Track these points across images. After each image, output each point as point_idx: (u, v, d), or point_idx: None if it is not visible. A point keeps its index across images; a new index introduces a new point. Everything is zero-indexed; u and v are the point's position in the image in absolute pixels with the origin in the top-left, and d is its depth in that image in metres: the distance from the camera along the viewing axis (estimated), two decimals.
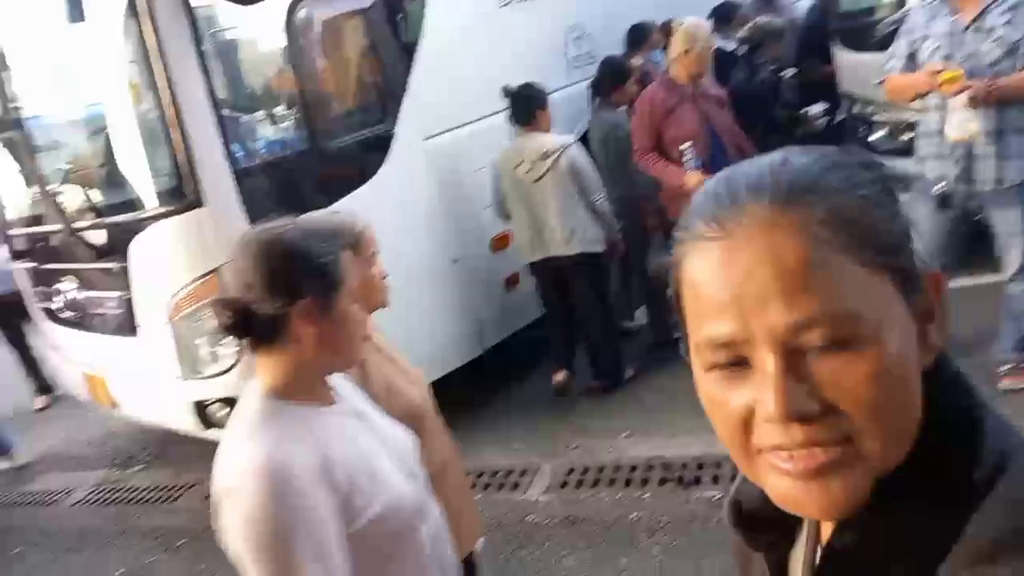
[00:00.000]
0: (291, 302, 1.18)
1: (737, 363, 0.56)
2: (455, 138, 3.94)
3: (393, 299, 1.93)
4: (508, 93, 3.74)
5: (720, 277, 0.55)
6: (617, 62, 4.16)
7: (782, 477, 0.57)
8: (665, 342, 4.21)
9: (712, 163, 3.50)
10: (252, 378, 1.29)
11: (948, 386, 0.60)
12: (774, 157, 0.60)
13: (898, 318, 0.56)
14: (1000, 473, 0.55)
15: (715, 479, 3.04)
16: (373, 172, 3.60)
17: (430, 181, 3.82)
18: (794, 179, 0.56)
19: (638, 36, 4.57)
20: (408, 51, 3.75)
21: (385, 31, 3.66)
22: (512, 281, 4.15)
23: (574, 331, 4.00)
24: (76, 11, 3.50)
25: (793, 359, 0.54)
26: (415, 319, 3.71)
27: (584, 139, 4.09)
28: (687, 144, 3.52)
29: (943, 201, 2.90)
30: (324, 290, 1.22)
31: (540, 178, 3.66)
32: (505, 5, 4.15)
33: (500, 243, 4.06)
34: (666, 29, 4.25)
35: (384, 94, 3.72)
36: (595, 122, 4.20)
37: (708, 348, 0.57)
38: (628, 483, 3.19)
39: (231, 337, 1.24)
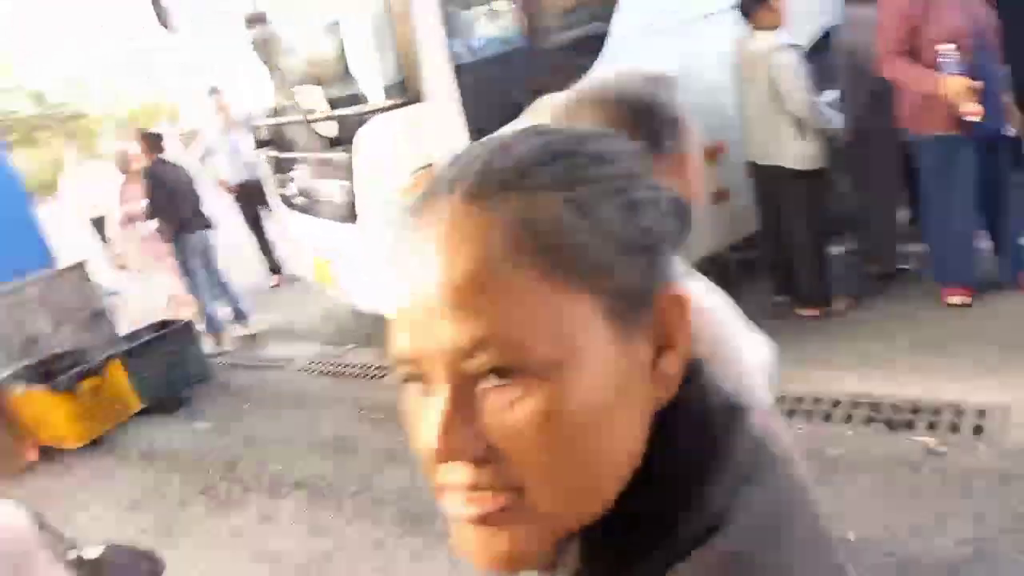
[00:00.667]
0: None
1: (425, 380, 0.48)
2: (677, 33, 3.74)
3: None
4: None
5: (398, 281, 0.48)
6: None
7: (455, 520, 0.48)
8: (888, 273, 3.86)
9: (979, 69, 3.02)
10: None
11: (685, 426, 0.51)
12: (505, 136, 0.50)
13: (599, 350, 0.46)
14: (712, 533, 0.46)
15: (931, 425, 2.77)
16: (585, 70, 3.52)
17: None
18: (494, 170, 0.47)
19: None
20: None
21: None
22: (720, 195, 3.94)
23: (783, 249, 3.76)
24: None
25: (468, 388, 0.46)
26: None
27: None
28: (949, 46, 3.02)
29: None
30: (683, 143, 1.15)
31: (749, 79, 3.48)
32: None
33: (710, 155, 3.86)
34: None
35: None
36: (843, 21, 3.80)
37: (395, 359, 0.49)
38: (828, 417, 3.00)
39: None
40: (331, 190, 4.07)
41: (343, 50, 3.82)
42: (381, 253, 3.77)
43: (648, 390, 0.49)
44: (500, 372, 0.45)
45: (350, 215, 3.91)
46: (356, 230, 3.92)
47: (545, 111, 1.57)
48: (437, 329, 0.45)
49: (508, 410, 0.45)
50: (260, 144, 4.83)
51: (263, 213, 6.42)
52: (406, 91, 3.36)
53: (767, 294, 3.97)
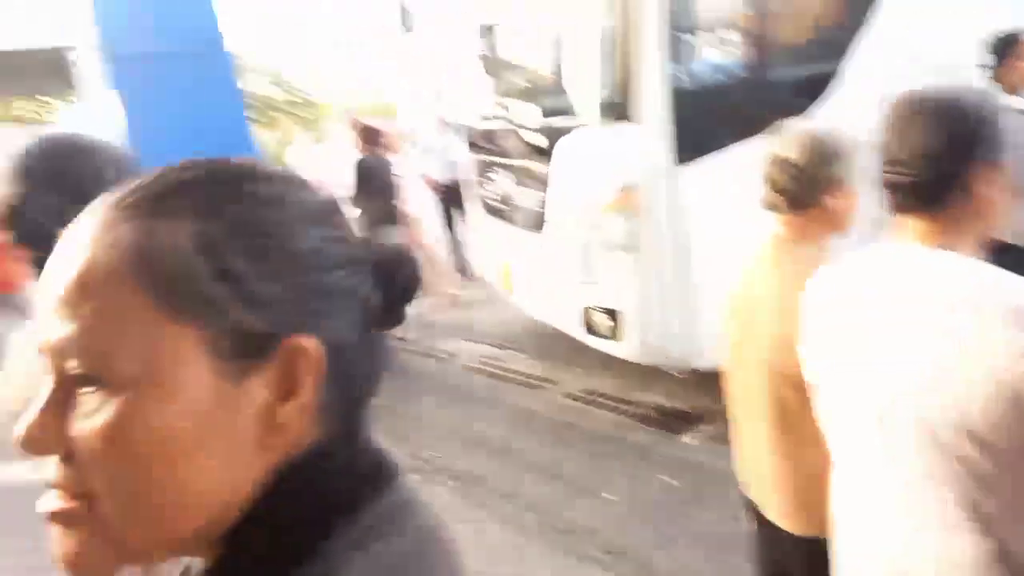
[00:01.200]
0: (972, 164, 1.12)
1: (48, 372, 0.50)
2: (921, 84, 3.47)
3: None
4: (989, 44, 3.21)
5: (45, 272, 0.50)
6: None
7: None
8: None
9: None
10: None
11: (305, 480, 0.52)
12: (187, 159, 0.52)
13: (192, 382, 0.47)
14: None
15: None
16: (804, 110, 3.37)
17: (862, 130, 3.42)
18: (142, 188, 0.49)
19: None
20: None
21: None
22: None
23: None
24: None
25: (68, 388, 0.48)
26: None
27: None
28: None
29: None
30: (999, 153, 1.13)
31: None
32: None
33: None
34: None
35: (836, 32, 3.41)
36: None
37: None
38: None
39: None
40: (527, 198, 4.18)
41: (561, 63, 3.91)
42: (560, 266, 3.82)
43: (258, 434, 0.50)
44: (89, 379, 0.47)
45: (538, 224, 3.99)
46: (541, 239, 4.00)
47: (791, 137, 1.52)
48: (51, 325, 0.48)
49: (89, 417, 0.47)
50: (471, 146, 5.06)
51: (457, 215, 6.71)
52: (617, 110, 3.38)
53: None
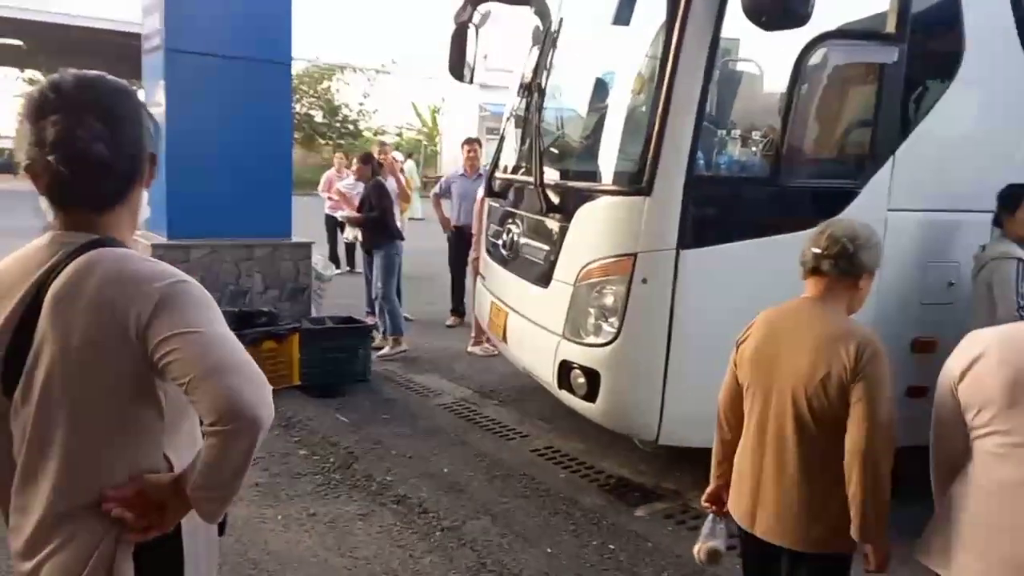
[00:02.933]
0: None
1: None
2: (924, 220, 3.60)
3: None
4: (998, 194, 3.40)
5: None
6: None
7: None
8: None
9: None
10: None
11: None
12: None
13: None
14: None
15: None
16: (816, 223, 3.46)
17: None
18: None
19: None
20: (911, 119, 3.53)
21: (894, 92, 3.48)
22: (916, 392, 3.62)
23: None
24: (625, 14, 4.06)
25: None
26: None
27: None
28: None
29: None
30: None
31: (974, 282, 3.40)
32: None
33: (923, 347, 3.58)
34: None
35: (865, 153, 3.55)
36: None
37: None
38: None
39: None
40: (539, 253, 4.27)
41: (592, 130, 4.08)
42: (556, 321, 3.88)
43: None
44: None
45: (546, 279, 4.08)
46: (545, 295, 4.07)
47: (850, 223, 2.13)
48: None
49: None
50: (492, 195, 5.20)
51: (468, 259, 6.84)
52: (637, 182, 3.50)
53: None
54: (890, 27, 3.46)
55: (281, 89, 6.26)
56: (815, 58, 3.43)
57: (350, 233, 6.78)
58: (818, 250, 2.05)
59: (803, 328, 2.01)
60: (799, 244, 3.46)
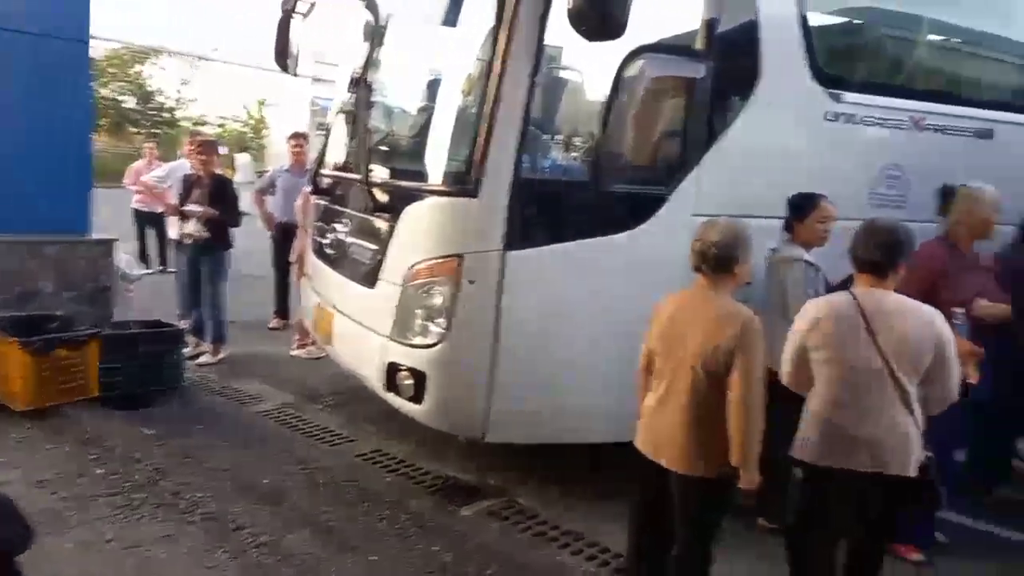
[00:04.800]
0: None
1: None
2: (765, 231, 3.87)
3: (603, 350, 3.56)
4: (788, 201, 3.69)
5: None
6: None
7: None
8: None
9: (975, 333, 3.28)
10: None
11: None
12: None
13: None
14: None
15: None
16: (632, 226, 3.66)
17: (680, 254, 3.76)
18: None
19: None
20: (715, 132, 3.79)
21: (701, 105, 3.74)
22: None
23: None
24: (453, 15, 4.05)
25: None
26: (617, 376, 3.67)
27: None
28: (960, 310, 3.27)
29: None
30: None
31: (768, 282, 3.65)
32: (831, 120, 4.04)
33: None
34: (947, 193, 3.82)
35: (674, 161, 3.78)
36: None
37: None
38: None
39: None
40: (367, 253, 4.16)
41: (421, 130, 4.03)
42: (383, 323, 3.79)
43: None
44: None
45: (372, 279, 3.97)
46: (371, 296, 3.97)
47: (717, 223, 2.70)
48: None
49: None
50: (318, 192, 5.01)
51: (292, 257, 6.54)
52: (464, 183, 3.50)
53: None
54: (699, 45, 3.72)
55: (77, 69, 5.64)
56: (632, 69, 3.61)
57: (191, 228, 5.81)
58: (693, 255, 2.60)
59: (699, 310, 2.55)
60: (616, 245, 3.70)
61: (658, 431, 2.61)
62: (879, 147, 4.23)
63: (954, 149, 4.42)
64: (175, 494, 3.63)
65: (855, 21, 4.57)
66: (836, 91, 4.06)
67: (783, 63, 3.92)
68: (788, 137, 4.05)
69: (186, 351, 5.61)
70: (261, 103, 32.18)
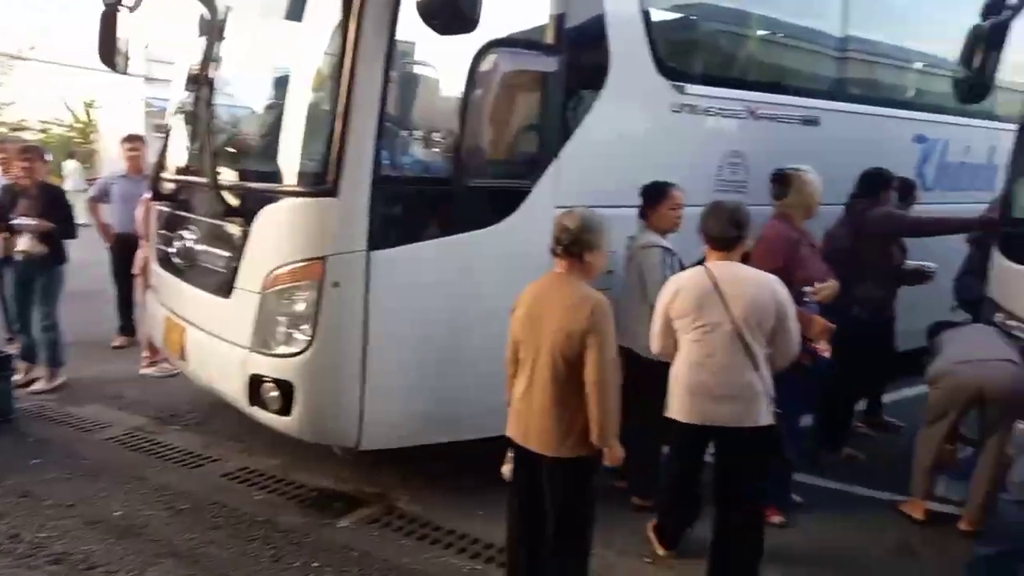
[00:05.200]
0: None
1: None
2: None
3: (475, 345, 3.61)
4: (640, 190, 3.84)
5: None
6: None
7: None
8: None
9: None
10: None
11: None
12: None
13: None
14: None
15: None
16: (497, 220, 3.67)
17: (545, 246, 3.82)
18: None
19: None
20: (570, 125, 3.87)
21: (555, 99, 3.80)
22: None
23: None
24: (297, 9, 3.88)
25: None
26: (489, 370, 3.67)
27: None
28: (811, 288, 3.59)
29: None
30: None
31: (626, 270, 3.80)
32: (676, 112, 4.24)
33: None
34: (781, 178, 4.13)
35: (534, 154, 3.82)
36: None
37: None
38: None
39: None
40: (214, 259, 3.92)
41: (272, 129, 3.84)
42: (242, 334, 3.59)
43: None
44: None
45: (226, 289, 3.75)
46: (227, 306, 3.74)
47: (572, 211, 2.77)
48: None
49: None
50: (159, 198, 4.66)
51: (136, 269, 6.07)
52: (323, 183, 3.36)
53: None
54: (550, 38, 3.78)
55: None
56: (488, 64, 3.61)
57: (24, 244, 5.16)
58: (552, 238, 2.69)
59: (555, 296, 2.63)
60: (483, 240, 3.70)
61: (526, 417, 2.67)
62: (721, 136, 4.49)
63: (786, 136, 4.77)
64: (13, 537, 3.27)
65: (691, 16, 4.82)
66: (679, 83, 4.27)
67: (630, 57, 4.07)
68: (639, 129, 4.21)
69: (16, 378, 5.06)
70: (89, 105, 29.63)
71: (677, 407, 3.03)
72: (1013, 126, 4.43)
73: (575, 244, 2.64)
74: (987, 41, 4.05)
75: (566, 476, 2.63)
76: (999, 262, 4.06)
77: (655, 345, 3.14)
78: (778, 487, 3.65)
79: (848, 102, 5.19)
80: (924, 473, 3.77)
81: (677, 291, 3.03)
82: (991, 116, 5.95)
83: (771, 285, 2.95)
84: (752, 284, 2.95)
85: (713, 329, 2.91)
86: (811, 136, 4.89)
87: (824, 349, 3.54)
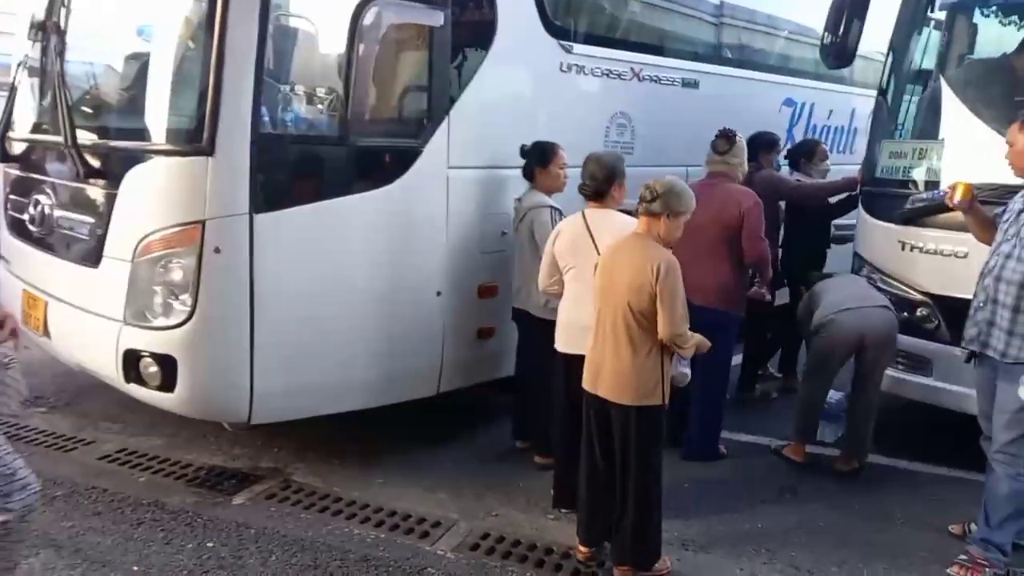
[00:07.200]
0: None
1: None
2: (478, 176, 3.94)
3: (367, 312, 3.59)
4: (522, 150, 3.84)
5: None
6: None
7: None
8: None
9: None
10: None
11: None
12: None
13: None
14: None
15: None
16: (388, 181, 3.56)
17: (439, 208, 3.77)
18: None
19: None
20: (460, 83, 3.80)
21: (444, 56, 3.70)
22: (486, 332, 4.03)
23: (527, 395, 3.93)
24: None
25: None
26: (382, 337, 3.63)
27: None
28: None
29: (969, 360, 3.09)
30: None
31: (516, 231, 3.83)
32: (565, 72, 4.25)
33: (487, 292, 3.98)
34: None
35: (424, 113, 3.72)
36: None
37: None
38: (541, 564, 2.98)
39: None
40: (76, 226, 3.61)
41: (137, 81, 3.55)
42: (114, 306, 3.34)
43: None
44: None
45: (94, 258, 3.47)
46: (95, 276, 3.47)
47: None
48: None
49: None
50: (5, 159, 4.21)
51: None
52: (197, 140, 3.15)
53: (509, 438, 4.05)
54: None
55: None
56: (372, 16, 3.45)
57: None
58: (639, 197, 2.85)
59: (629, 254, 2.80)
60: (374, 202, 3.59)
61: (598, 366, 2.84)
62: (608, 96, 4.56)
63: (668, 97, 4.90)
64: None
65: None
66: (567, 43, 4.28)
67: (517, 14, 4.03)
68: (528, 88, 4.20)
69: None
70: None
71: (560, 342, 3.27)
72: (871, 92, 4.75)
73: (657, 204, 2.78)
74: (850, 9, 4.30)
75: (638, 423, 2.77)
76: (862, 218, 4.37)
77: (541, 283, 3.39)
78: (704, 439, 3.98)
79: (725, 66, 5.40)
80: (808, 418, 4.00)
81: (559, 233, 3.32)
82: (852, 83, 6.38)
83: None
84: (620, 228, 3.10)
85: (586, 270, 3.10)
86: (691, 97, 5.06)
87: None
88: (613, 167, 3.29)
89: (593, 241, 3.17)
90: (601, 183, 3.26)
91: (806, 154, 5.20)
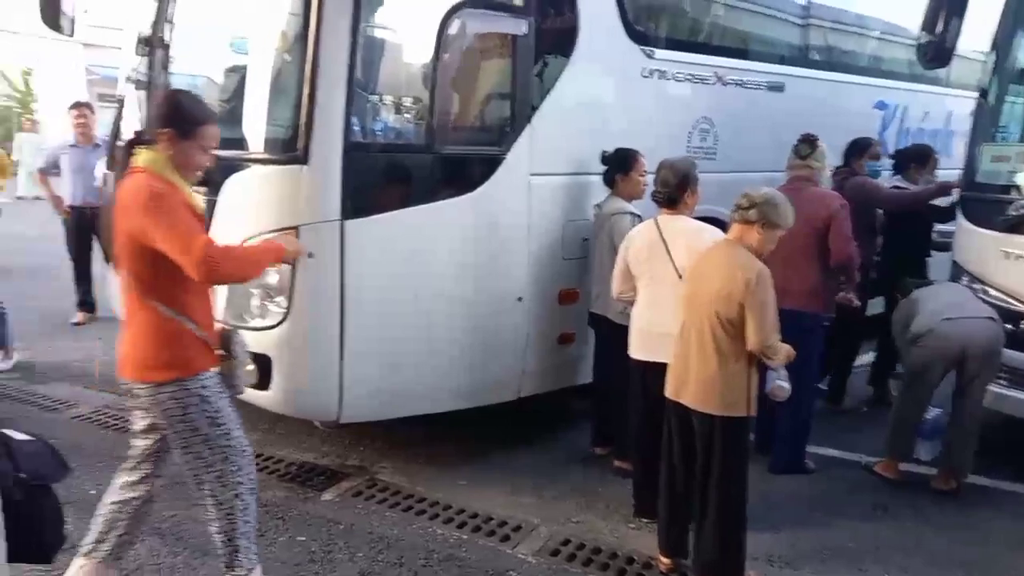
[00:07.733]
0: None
1: None
2: (560, 183, 3.98)
3: (452, 316, 3.63)
4: (603, 157, 3.85)
5: None
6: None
7: None
8: None
9: None
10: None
11: None
12: None
13: None
14: None
15: None
16: (471, 188, 3.63)
17: (521, 214, 3.82)
18: None
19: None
20: (542, 90, 3.84)
21: (526, 64, 3.75)
22: (566, 338, 4.05)
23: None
24: None
25: None
26: (465, 341, 3.70)
27: None
28: None
29: None
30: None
31: (596, 237, 3.86)
32: (647, 77, 4.23)
33: (568, 297, 4.00)
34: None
35: (507, 120, 3.78)
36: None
37: None
38: (623, 573, 2.98)
39: None
40: None
41: (237, 93, 3.72)
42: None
43: None
44: None
45: None
46: None
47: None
48: None
49: None
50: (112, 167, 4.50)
51: (94, 244, 5.89)
52: (291, 149, 3.29)
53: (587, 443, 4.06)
54: (519, 0, 3.71)
55: None
56: (456, 27, 3.54)
57: None
58: (734, 205, 2.81)
59: (719, 261, 2.76)
60: (459, 208, 3.66)
61: (682, 374, 2.81)
62: (690, 101, 4.51)
63: (752, 101, 4.81)
64: None
65: None
66: (649, 48, 4.26)
67: (599, 20, 4.04)
68: (610, 94, 4.20)
69: None
70: (26, 73, 28.25)
71: (633, 348, 3.30)
72: (970, 94, 4.55)
73: (752, 212, 2.74)
74: (949, 6, 4.13)
75: (722, 433, 2.72)
76: (962, 224, 4.19)
77: (615, 289, 3.41)
78: (792, 453, 3.90)
79: (812, 68, 5.26)
80: (903, 434, 3.83)
81: (632, 239, 3.33)
82: (948, 84, 6.11)
83: (711, 236, 3.12)
84: (694, 235, 3.15)
85: (658, 276, 3.17)
86: (776, 101, 4.95)
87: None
88: (686, 174, 3.26)
89: (667, 248, 3.18)
90: (674, 190, 3.25)
91: (919, 160, 4.93)
